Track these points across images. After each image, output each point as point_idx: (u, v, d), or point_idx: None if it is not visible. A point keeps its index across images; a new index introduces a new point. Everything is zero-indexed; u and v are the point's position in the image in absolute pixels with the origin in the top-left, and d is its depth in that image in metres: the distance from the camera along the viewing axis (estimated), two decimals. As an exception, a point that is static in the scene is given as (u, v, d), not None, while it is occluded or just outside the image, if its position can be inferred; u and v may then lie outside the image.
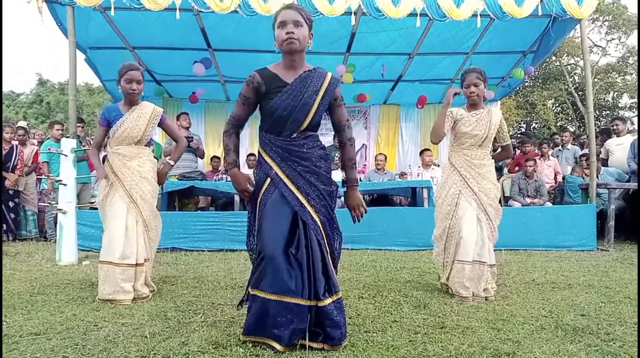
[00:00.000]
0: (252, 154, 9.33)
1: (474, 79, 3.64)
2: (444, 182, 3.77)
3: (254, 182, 2.61)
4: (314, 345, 2.37)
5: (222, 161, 9.01)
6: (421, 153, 8.71)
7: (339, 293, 2.45)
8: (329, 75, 2.57)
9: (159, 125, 3.85)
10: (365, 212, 2.66)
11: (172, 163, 3.96)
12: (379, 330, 2.69)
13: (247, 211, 2.67)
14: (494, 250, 3.72)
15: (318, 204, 2.50)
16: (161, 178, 3.87)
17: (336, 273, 2.55)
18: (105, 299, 3.43)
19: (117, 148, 3.66)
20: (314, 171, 2.52)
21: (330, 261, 2.50)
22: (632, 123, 20.32)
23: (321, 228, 2.48)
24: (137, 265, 3.56)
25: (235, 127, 2.64)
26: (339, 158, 2.66)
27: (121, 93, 3.72)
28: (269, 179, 2.50)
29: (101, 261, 3.56)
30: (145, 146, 3.78)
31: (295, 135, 2.51)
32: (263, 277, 2.36)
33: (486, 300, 3.49)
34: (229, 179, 7.55)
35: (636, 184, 6.74)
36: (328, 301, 2.38)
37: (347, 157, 2.66)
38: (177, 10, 5.87)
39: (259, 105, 2.59)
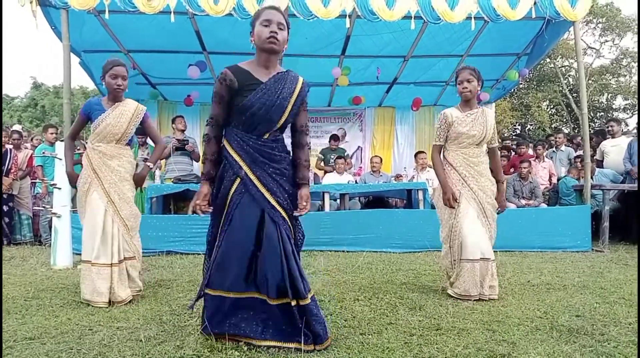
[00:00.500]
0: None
1: (467, 75, 3.65)
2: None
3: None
4: (306, 347, 2.38)
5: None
6: (416, 155, 8.72)
7: (311, 290, 2.53)
8: (301, 79, 2.62)
9: (140, 123, 3.81)
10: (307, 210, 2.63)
11: (150, 165, 3.95)
12: (374, 332, 2.69)
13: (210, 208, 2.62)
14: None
15: (287, 205, 2.54)
16: (139, 181, 3.83)
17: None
18: (84, 299, 3.47)
19: (97, 144, 3.62)
20: (283, 174, 2.55)
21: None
22: (627, 125, 20.45)
23: (290, 227, 2.56)
24: (112, 264, 3.54)
25: (215, 130, 2.55)
26: (295, 157, 2.65)
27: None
28: (238, 180, 2.49)
29: (82, 261, 3.59)
30: (126, 145, 3.75)
31: (267, 136, 2.53)
32: (226, 276, 2.46)
33: (489, 299, 3.51)
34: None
35: (630, 185, 6.77)
36: (309, 298, 2.45)
37: (304, 158, 2.67)
38: (172, 13, 5.86)
39: (231, 102, 2.53)
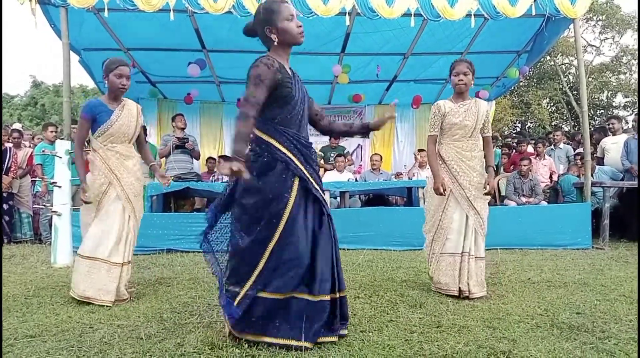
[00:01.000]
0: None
1: (463, 68, 3.63)
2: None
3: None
4: (334, 338, 2.47)
5: (217, 162, 9.00)
6: (416, 153, 8.73)
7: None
8: None
9: None
10: None
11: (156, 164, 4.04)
12: (375, 330, 2.70)
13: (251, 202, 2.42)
14: (486, 249, 3.74)
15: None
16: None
17: None
18: (83, 296, 3.39)
19: (112, 145, 3.57)
20: (318, 172, 2.60)
21: None
22: (627, 122, 20.41)
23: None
24: (122, 263, 3.54)
25: (255, 112, 2.32)
26: (343, 125, 2.78)
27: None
28: (297, 179, 2.43)
29: (85, 257, 3.48)
30: None
31: (304, 132, 2.55)
32: (291, 278, 2.38)
33: (481, 298, 3.50)
34: (224, 179, 7.56)
35: (630, 182, 6.76)
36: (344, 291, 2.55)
37: (342, 122, 2.72)
38: (171, 11, 5.85)
39: (270, 94, 2.39)
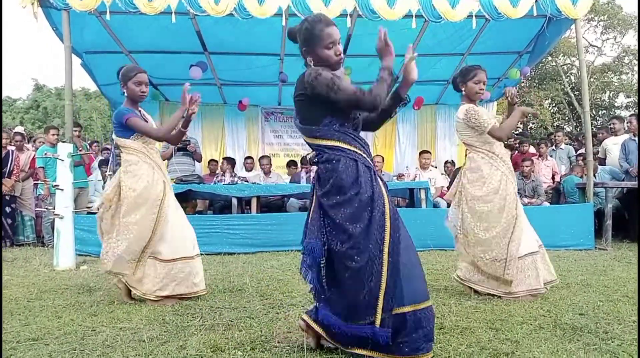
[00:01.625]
0: (249, 157, 9.33)
1: (484, 77, 3.59)
2: (490, 173, 3.58)
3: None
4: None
5: (219, 164, 9.01)
6: (420, 154, 8.73)
7: None
8: None
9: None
10: None
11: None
12: (377, 332, 2.68)
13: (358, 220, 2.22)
14: None
15: None
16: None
17: None
18: (184, 295, 3.53)
19: (151, 145, 3.67)
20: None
21: None
22: (630, 122, 20.32)
23: None
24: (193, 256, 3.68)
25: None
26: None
27: (119, 96, 3.71)
28: (381, 182, 2.33)
29: (171, 260, 3.54)
30: None
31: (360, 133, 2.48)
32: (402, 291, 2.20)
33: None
34: (226, 181, 7.57)
35: (632, 183, 6.75)
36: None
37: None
38: (173, 14, 5.86)
39: (325, 103, 2.31)
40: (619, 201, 7.22)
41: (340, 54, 2.39)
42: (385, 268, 2.18)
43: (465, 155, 3.84)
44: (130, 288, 3.56)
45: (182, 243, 3.60)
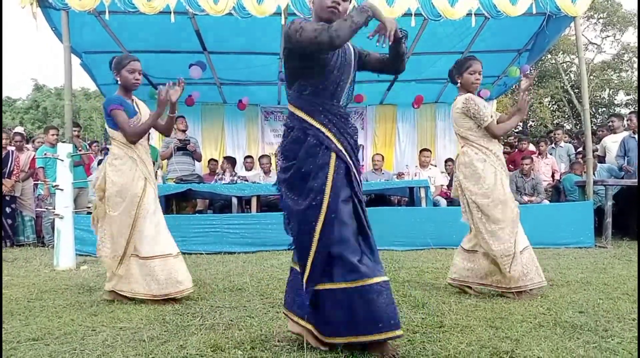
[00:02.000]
0: (249, 156, 9.32)
1: (479, 67, 3.59)
2: (485, 169, 3.56)
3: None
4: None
5: (219, 164, 9.01)
6: (420, 152, 8.73)
7: None
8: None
9: None
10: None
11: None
12: (377, 330, 2.68)
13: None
14: None
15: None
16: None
17: None
18: (156, 295, 3.44)
19: (141, 141, 3.61)
20: (356, 150, 2.41)
21: None
22: (630, 120, 20.32)
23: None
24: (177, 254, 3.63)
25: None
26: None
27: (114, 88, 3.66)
28: (334, 155, 2.25)
29: (150, 257, 3.49)
30: None
31: (341, 103, 2.39)
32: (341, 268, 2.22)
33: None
34: (226, 181, 7.57)
35: (632, 180, 6.74)
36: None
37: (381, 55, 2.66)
38: (172, 13, 5.86)
39: (302, 60, 2.28)
40: (614, 199, 7.20)
41: (332, 6, 2.29)
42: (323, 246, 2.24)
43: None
44: (119, 293, 3.54)
45: (159, 241, 3.55)
